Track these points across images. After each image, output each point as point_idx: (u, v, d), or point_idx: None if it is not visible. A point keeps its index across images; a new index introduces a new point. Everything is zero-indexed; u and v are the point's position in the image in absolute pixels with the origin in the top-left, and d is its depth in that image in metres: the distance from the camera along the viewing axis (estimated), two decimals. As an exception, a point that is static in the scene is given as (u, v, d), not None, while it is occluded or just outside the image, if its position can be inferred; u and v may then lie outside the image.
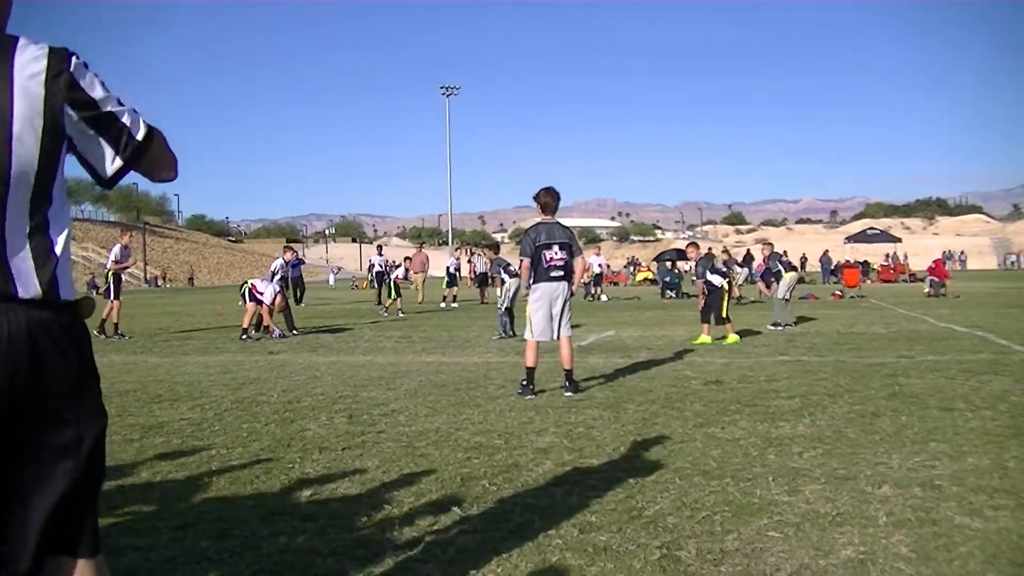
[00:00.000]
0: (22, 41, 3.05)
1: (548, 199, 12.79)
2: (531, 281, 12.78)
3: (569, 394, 12.16)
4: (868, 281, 59.94)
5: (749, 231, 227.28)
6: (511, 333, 21.55)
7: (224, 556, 5.67)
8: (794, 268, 24.95)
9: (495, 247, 27.93)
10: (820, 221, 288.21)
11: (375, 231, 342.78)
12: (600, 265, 47.94)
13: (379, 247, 52.05)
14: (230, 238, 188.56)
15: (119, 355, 19.00)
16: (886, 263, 76.44)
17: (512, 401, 11.58)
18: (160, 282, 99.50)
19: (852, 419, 9.87)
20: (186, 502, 7.02)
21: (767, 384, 12.71)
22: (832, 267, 67.38)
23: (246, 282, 23.82)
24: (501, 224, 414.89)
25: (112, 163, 3.16)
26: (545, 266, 12.58)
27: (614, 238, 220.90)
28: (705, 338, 19.64)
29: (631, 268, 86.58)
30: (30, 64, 3.01)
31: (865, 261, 70.35)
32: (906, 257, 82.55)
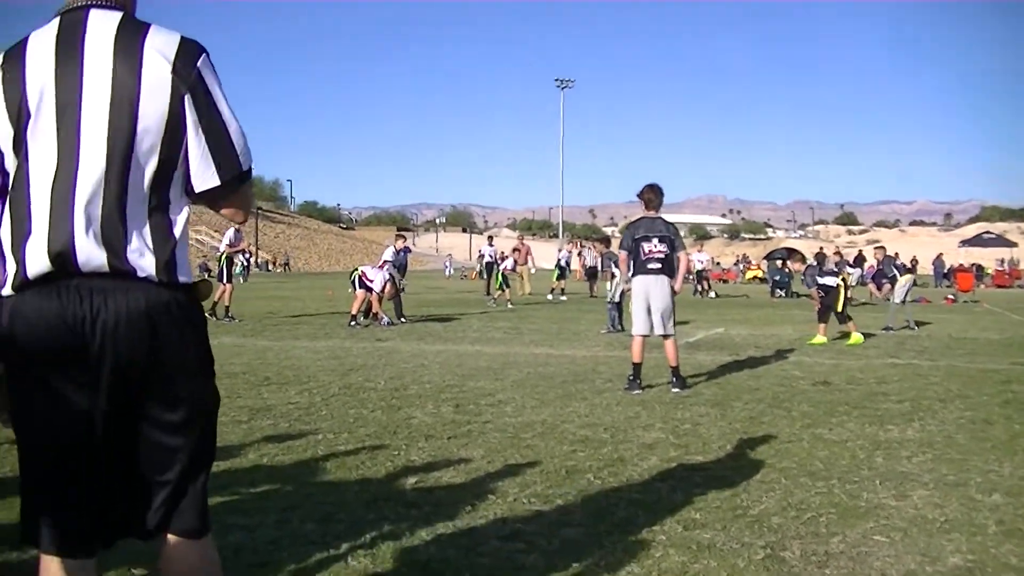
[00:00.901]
0: (154, 27, 3.08)
1: (651, 195, 12.84)
2: (630, 274, 12.83)
3: (676, 390, 12.10)
4: (982, 286, 59.02)
5: (861, 232, 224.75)
6: (619, 327, 21.45)
7: (328, 539, 5.70)
8: (909, 271, 24.65)
9: (606, 240, 27.88)
10: (934, 224, 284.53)
11: (485, 221, 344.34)
12: (701, 262, 47.67)
13: (490, 237, 52.30)
14: (341, 225, 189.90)
15: (229, 337, 19.25)
16: (1001, 268, 75.25)
17: (619, 395, 11.54)
18: (271, 267, 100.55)
19: (963, 425, 9.70)
20: (292, 485, 7.08)
21: (876, 387, 12.53)
22: (945, 271, 66.49)
23: (356, 269, 23.96)
24: (611, 218, 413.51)
25: (207, 179, 3.12)
26: (643, 258, 12.61)
27: (724, 235, 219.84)
28: (821, 338, 19.41)
29: (741, 266, 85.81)
30: (162, 48, 3.03)
31: (979, 265, 69.31)
32: (1020, 262, 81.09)
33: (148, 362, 3.03)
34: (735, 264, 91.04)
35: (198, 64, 3.07)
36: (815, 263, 22.28)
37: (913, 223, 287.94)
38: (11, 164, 3.06)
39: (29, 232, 2.99)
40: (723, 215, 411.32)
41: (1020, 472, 7.64)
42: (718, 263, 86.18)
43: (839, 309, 20.01)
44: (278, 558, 5.38)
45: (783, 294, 45.83)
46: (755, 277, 71.00)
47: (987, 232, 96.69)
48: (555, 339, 19.70)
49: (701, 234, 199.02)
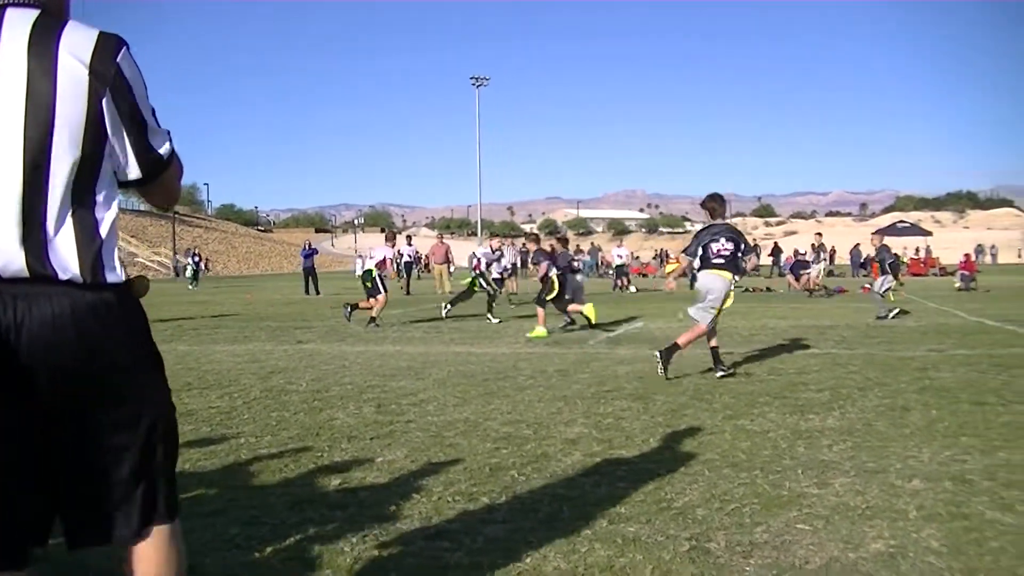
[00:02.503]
0: (71, 23, 3.05)
1: (715, 204, 13.71)
2: (696, 271, 13.54)
3: (719, 374, 12.92)
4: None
5: (778, 223, 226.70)
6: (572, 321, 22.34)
7: (253, 543, 5.69)
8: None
9: (535, 238, 27.86)
10: (849, 214, 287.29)
11: (404, 221, 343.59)
12: (621, 256, 47.96)
13: (408, 237, 52.20)
14: (259, 227, 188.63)
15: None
16: (916, 257, 76.24)
17: (541, 392, 11.57)
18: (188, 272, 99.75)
19: (882, 412, 9.84)
20: (215, 489, 7.05)
21: (797, 376, 12.68)
22: (862, 260, 67.24)
23: (370, 270, 23.94)
24: (530, 215, 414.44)
25: (130, 172, 3.15)
26: (712, 256, 13.32)
27: (643, 230, 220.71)
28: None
29: (660, 260, 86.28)
30: (77, 45, 2.99)
31: (895, 254, 70.28)
32: (928, 251, 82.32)
33: (80, 367, 2.98)
34: (654, 258, 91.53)
35: (117, 60, 3.04)
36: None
37: (830, 214, 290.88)
38: None
39: None
40: (641, 209, 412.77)
41: (939, 458, 7.77)
42: (637, 257, 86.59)
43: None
44: (203, 563, 5.36)
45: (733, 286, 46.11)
46: (674, 270, 71.51)
47: (901, 222, 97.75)
48: (475, 337, 19.76)
49: (620, 229, 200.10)
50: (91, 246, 3.01)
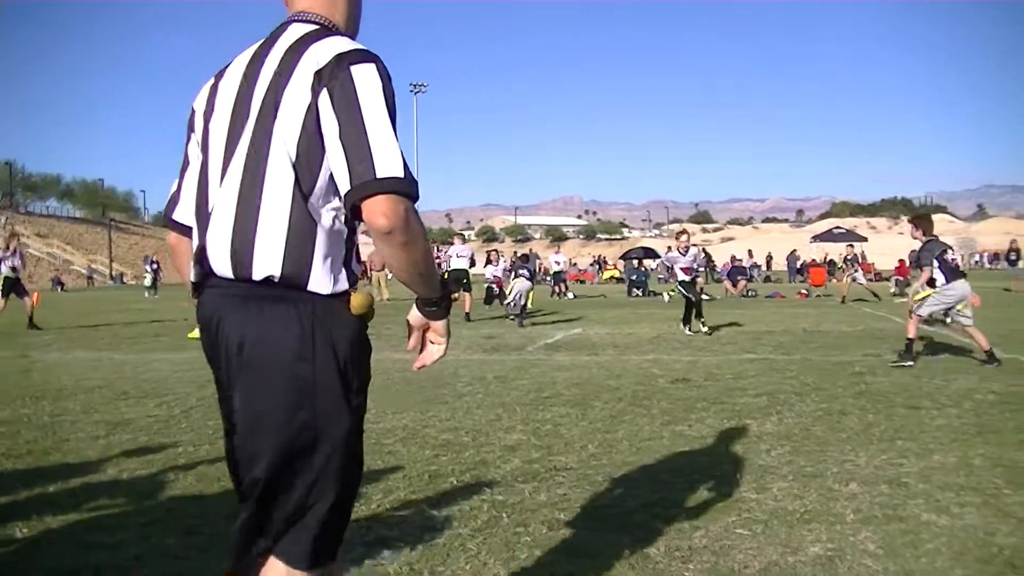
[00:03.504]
0: (331, 37, 3.11)
1: (927, 223, 15.46)
2: (944, 281, 14.53)
3: (989, 365, 13.90)
4: (833, 280, 60.30)
5: (716, 230, 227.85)
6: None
7: (192, 553, 5.67)
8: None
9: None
10: (786, 220, 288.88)
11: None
12: (558, 263, 48.18)
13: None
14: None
15: (85, 352, 18.92)
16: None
17: (480, 399, 11.56)
18: (126, 279, 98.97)
19: (819, 417, 9.92)
20: (153, 499, 7.00)
21: (734, 382, 12.75)
22: (799, 266, 67.86)
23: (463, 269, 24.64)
24: (468, 222, 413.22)
25: (342, 186, 2.97)
26: (952, 265, 14.71)
27: (581, 236, 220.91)
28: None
29: (597, 266, 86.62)
30: (318, 54, 3.01)
31: (831, 260, 70.90)
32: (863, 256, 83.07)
33: (276, 370, 3.06)
34: (591, 264, 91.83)
35: (349, 69, 2.96)
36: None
37: (766, 220, 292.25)
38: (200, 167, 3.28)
39: (196, 236, 3.24)
40: (579, 216, 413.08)
41: (875, 461, 7.85)
42: (575, 264, 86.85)
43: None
44: (141, 574, 5.33)
45: (640, 293, 46.37)
46: (612, 277, 71.78)
47: (838, 227, 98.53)
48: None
49: (557, 235, 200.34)
50: (299, 248, 3.03)
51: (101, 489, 7.30)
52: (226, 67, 3.28)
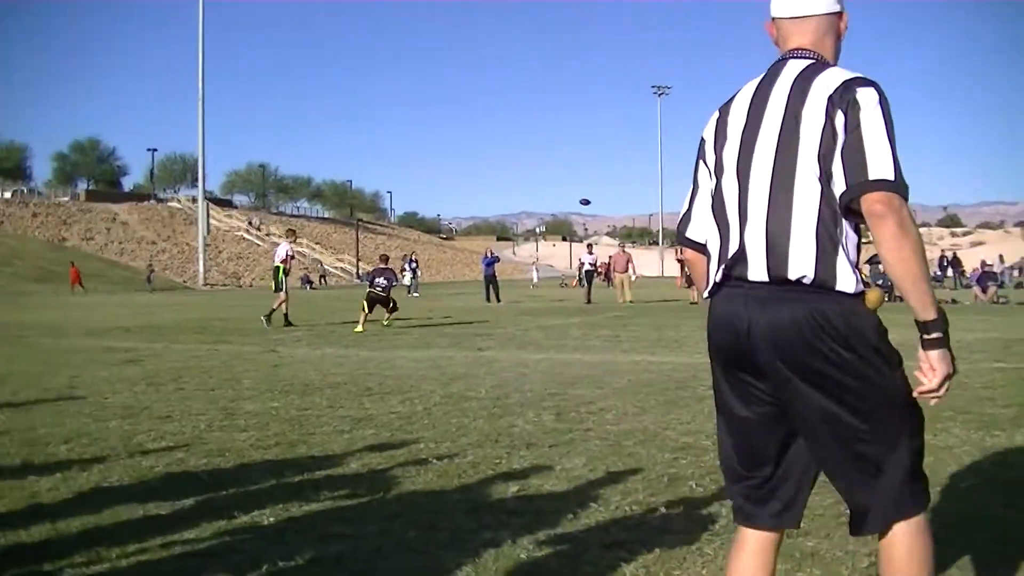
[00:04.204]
0: (834, 68, 3.56)
1: None
2: None
3: None
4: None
5: (965, 234, 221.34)
6: None
7: (430, 548, 5.72)
8: None
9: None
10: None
11: (585, 230, 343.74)
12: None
13: (589, 246, 52.34)
14: (441, 235, 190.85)
15: (332, 348, 19.45)
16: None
17: (721, 402, 11.39)
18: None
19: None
20: (394, 493, 7.11)
21: (983, 391, 12.24)
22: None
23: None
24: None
25: (839, 186, 3.37)
26: None
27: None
28: None
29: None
30: (827, 82, 3.44)
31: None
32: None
33: (801, 361, 3.43)
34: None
35: (856, 92, 3.38)
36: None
37: (1019, 224, 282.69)
38: (714, 189, 3.75)
39: (720, 245, 3.67)
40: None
41: None
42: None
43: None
44: (381, 567, 5.41)
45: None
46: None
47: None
48: (655, 346, 19.63)
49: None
50: (828, 253, 3.39)
51: (344, 482, 7.46)
52: (730, 100, 3.78)
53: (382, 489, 7.21)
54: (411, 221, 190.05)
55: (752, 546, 3.81)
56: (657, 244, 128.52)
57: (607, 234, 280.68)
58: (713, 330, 3.73)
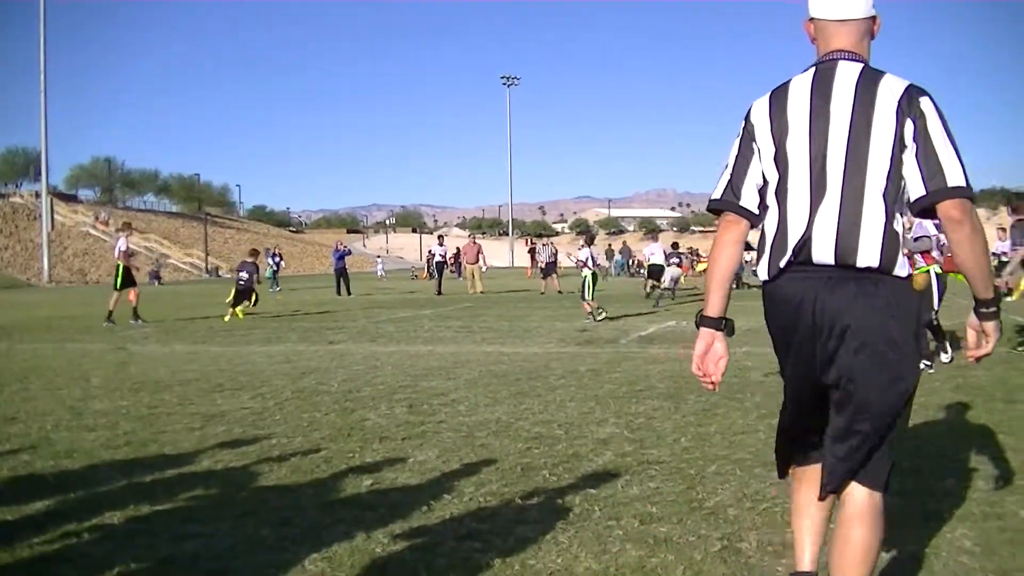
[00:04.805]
0: (888, 75, 3.93)
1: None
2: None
3: None
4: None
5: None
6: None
7: (285, 544, 5.71)
8: None
9: (591, 238, 28.11)
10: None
11: (435, 221, 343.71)
12: (652, 255, 47.61)
13: (440, 237, 52.34)
14: (291, 228, 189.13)
15: (182, 344, 19.18)
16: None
17: (572, 392, 11.55)
18: (221, 272, 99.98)
19: (916, 411, 9.73)
20: (247, 490, 7.08)
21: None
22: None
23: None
24: (561, 214, 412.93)
25: (915, 191, 3.81)
26: None
27: (674, 228, 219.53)
28: None
29: (692, 258, 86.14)
30: (893, 88, 3.84)
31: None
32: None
33: (864, 335, 3.86)
34: (686, 257, 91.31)
35: (919, 101, 3.81)
36: None
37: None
38: (771, 175, 4.09)
39: (783, 231, 4.04)
40: (673, 208, 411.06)
41: (972, 457, 7.71)
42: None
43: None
44: (235, 565, 5.38)
45: (734, 285, 45.95)
46: (706, 270, 71.35)
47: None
48: (506, 337, 19.74)
49: (651, 228, 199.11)
50: (891, 244, 3.85)
51: (196, 480, 7.40)
52: (783, 92, 4.10)
53: (235, 486, 7.18)
54: (260, 215, 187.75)
55: (815, 480, 4.29)
56: (507, 235, 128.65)
57: (457, 225, 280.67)
58: (780, 308, 4.12)
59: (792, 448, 4.46)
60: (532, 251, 68.79)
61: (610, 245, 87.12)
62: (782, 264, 4.02)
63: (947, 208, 3.74)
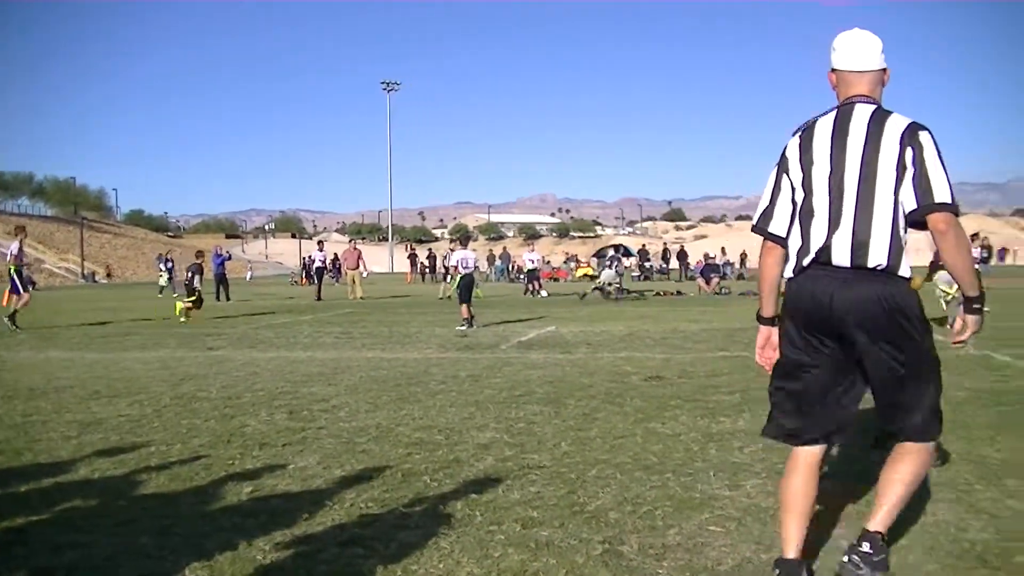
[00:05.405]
0: (894, 114, 4.79)
1: None
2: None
3: None
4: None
5: (689, 227, 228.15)
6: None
7: (165, 553, 5.65)
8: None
9: (466, 240, 27.81)
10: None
11: (315, 226, 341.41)
12: (532, 260, 48.12)
13: (320, 243, 52.03)
14: (169, 233, 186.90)
15: (57, 351, 18.84)
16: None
17: (453, 397, 11.56)
18: (98, 277, 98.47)
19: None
20: (126, 499, 6.97)
21: (707, 380, 12.74)
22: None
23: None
24: (441, 220, 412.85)
25: (908, 205, 4.66)
26: None
27: (554, 234, 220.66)
28: None
29: (571, 264, 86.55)
30: (897, 125, 4.72)
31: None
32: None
33: (876, 325, 4.72)
34: (565, 262, 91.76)
35: (919, 135, 4.68)
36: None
37: (740, 217, 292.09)
38: (799, 197, 4.94)
39: (806, 240, 4.90)
40: (552, 214, 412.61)
41: (844, 457, 7.85)
42: (548, 262, 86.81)
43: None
44: (115, 574, 5.32)
45: (616, 296, 46.36)
46: (585, 275, 71.69)
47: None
48: (386, 342, 19.66)
49: (531, 233, 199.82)
50: (897, 252, 4.70)
51: (73, 489, 7.28)
52: (810, 129, 4.99)
53: (113, 495, 7.07)
54: (138, 219, 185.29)
55: (806, 459, 5.19)
56: (387, 240, 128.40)
57: (337, 230, 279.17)
58: (798, 300, 4.94)
59: (782, 423, 5.33)
60: (412, 257, 68.79)
61: (491, 251, 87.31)
62: (805, 263, 4.88)
63: (935, 220, 4.61)
